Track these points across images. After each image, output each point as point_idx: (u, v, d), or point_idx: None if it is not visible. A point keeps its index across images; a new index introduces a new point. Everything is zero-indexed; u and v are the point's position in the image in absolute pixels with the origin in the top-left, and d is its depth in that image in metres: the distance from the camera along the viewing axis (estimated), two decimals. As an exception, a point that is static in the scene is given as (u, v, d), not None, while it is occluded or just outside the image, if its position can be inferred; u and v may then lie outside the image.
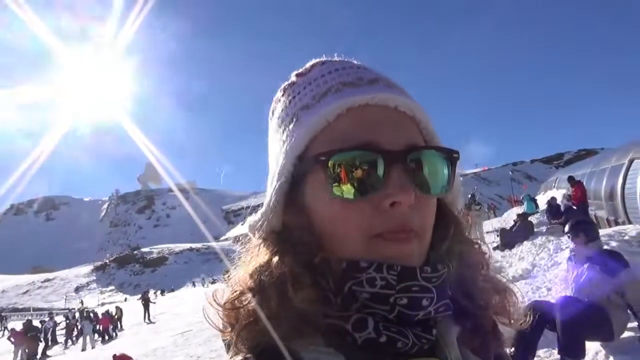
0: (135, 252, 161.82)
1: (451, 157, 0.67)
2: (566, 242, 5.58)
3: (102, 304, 68.46)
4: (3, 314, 50.88)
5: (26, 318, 36.47)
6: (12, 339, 23.22)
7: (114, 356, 10.55)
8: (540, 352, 5.05)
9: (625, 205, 12.38)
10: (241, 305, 0.65)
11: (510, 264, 11.05)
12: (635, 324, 4.69)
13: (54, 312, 43.07)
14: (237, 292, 0.66)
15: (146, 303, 27.82)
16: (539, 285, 7.96)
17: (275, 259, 0.64)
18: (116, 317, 27.65)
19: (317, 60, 0.75)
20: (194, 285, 74.42)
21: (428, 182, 0.64)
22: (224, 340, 0.69)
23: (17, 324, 32.62)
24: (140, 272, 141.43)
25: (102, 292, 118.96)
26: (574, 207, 15.02)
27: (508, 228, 15.60)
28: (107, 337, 25.16)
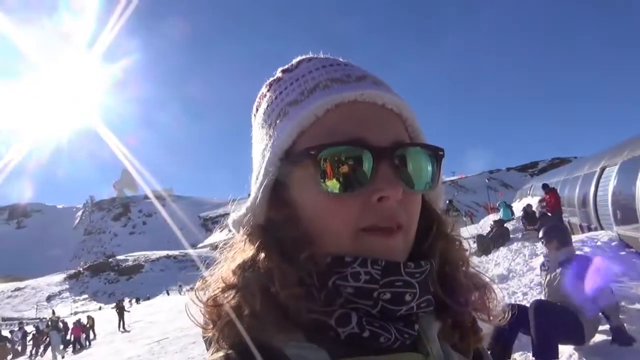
0: (110, 259, 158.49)
1: (437, 155, 0.68)
2: (541, 247, 5.69)
3: (75, 313, 66.80)
4: (-29, 324, 49.27)
5: (-5, 328, 35.45)
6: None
7: None
8: (516, 356, 5.12)
9: (597, 212, 12.65)
10: (223, 302, 0.64)
11: (487, 269, 11.20)
12: (607, 327, 4.80)
13: (24, 321, 41.90)
14: (219, 289, 0.66)
15: (121, 311, 27.33)
16: (515, 290, 8.07)
17: (261, 255, 0.64)
18: (88, 326, 27.02)
19: (303, 57, 0.76)
20: (168, 293, 73.39)
21: (413, 178, 0.65)
22: (204, 338, 0.68)
23: (-15, 335, 31.64)
24: (115, 280, 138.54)
25: (75, 301, 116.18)
26: (549, 214, 15.33)
27: (485, 234, 15.83)
28: (79, 347, 24.57)
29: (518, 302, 6.06)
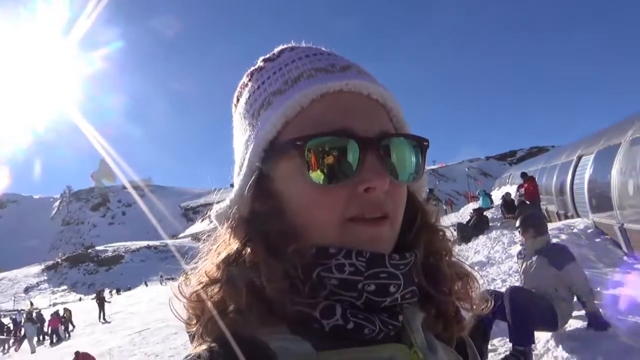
0: (90, 250, 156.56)
1: (421, 145, 0.68)
2: (519, 235, 5.81)
3: (54, 304, 65.98)
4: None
5: (-29, 321, 34.73)
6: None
7: (77, 353, 10.27)
8: (495, 341, 5.23)
9: (574, 200, 12.91)
10: (207, 297, 0.63)
11: (467, 257, 11.36)
12: (583, 312, 4.93)
13: (1, 313, 41.22)
14: (203, 284, 0.65)
15: (101, 302, 27.11)
16: (494, 277, 8.21)
17: (247, 249, 0.63)
18: (64, 318, 26.66)
19: (285, 46, 0.74)
20: (146, 285, 72.88)
21: (398, 169, 0.65)
22: (188, 332, 0.68)
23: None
24: (94, 271, 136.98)
25: (53, 292, 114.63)
26: (527, 202, 15.59)
27: (465, 222, 16.05)
28: (56, 339, 24.27)
29: (497, 289, 6.16)
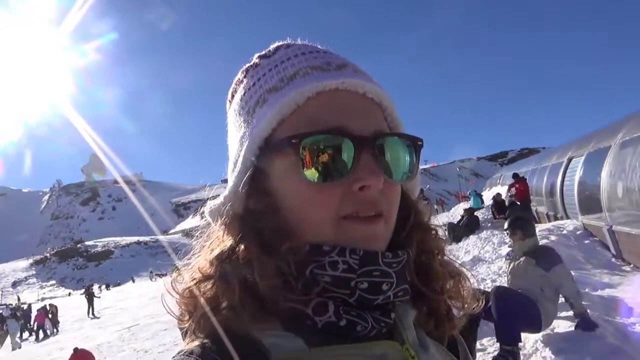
0: (79, 245, 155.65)
1: (415, 145, 0.68)
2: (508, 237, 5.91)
3: (42, 299, 65.51)
4: None
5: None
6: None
7: (75, 350, 10.22)
8: (484, 341, 5.27)
9: (564, 202, 13.01)
10: (200, 294, 0.63)
11: (457, 257, 11.41)
12: (571, 313, 4.97)
13: (-12, 308, 40.87)
14: (196, 280, 0.65)
15: (90, 297, 26.89)
16: (484, 277, 8.27)
17: (241, 246, 0.63)
18: (51, 314, 26.34)
19: (281, 43, 0.74)
20: (133, 281, 72.37)
21: (392, 168, 0.65)
22: (181, 329, 0.68)
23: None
24: (83, 266, 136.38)
25: (42, 287, 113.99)
26: (518, 203, 15.70)
27: (456, 222, 16.12)
28: (42, 335, 24.01)
29: (486, 289, 6.20)
